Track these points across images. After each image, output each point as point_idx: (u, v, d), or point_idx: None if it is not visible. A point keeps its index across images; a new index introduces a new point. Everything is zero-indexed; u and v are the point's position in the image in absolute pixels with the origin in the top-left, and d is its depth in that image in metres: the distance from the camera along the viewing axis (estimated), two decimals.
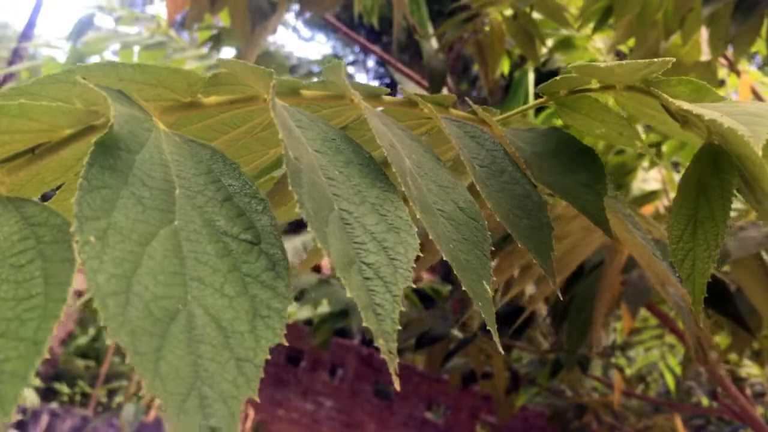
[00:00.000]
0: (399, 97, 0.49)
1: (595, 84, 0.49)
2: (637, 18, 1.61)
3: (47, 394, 5.84)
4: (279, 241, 0.29)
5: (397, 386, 0.26)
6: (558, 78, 0.47)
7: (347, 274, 0.28)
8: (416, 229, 0.33)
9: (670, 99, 0.38)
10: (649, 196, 2.29)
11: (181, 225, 0.28)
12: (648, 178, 2.30)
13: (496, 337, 0.32)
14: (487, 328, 0.33)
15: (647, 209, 2.32)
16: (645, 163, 2.25)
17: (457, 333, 2.16)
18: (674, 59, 0.40)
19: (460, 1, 1.43)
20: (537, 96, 0.53)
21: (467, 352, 2.21)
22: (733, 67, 1.62)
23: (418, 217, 0.34)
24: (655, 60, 0.41)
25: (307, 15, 1.56)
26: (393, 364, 0.26)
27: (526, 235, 0.41)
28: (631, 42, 1.76)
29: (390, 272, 0.30)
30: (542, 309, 2.00)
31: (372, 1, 2.03)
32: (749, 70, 2.20)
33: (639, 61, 0.40)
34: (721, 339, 2.03)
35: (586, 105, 0.52)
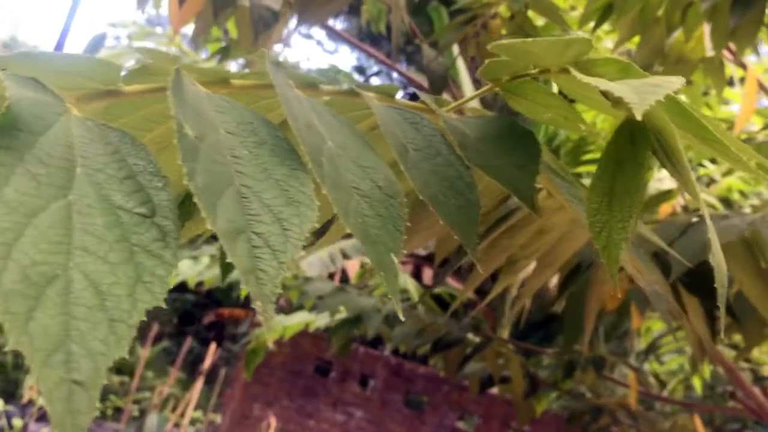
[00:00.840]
0: (343, 87, 0.51)
1: (533, 68, 0.49)
2: (638, 15, 1.61)
3: None
4: (173, 215, 0.31)
5: (269, 343, 0.27)
6: (494, 61, 0.48)
7: (232, 242, 0.29)
8: (318, 204, 0.34)
9: (581, 77, 0.39)
10: (665, 195, 2.27)
11: (74, 199, 0.29)
12: (663, 177, 2.28)
13: (397, 306, 0.33)
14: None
15: (664, 208, 2.30)
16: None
17: (473, 337, 2.16)
18: (591, 38, 0.41)
19: (458, 3, 1.44)
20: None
21: (484, 357, 2.20)
22: (737, 60, 1.61)
23: (323, 192, 0.35)
24: (577, 38, 0.42)
25: (306, 24, 1.58)
26: (268, 323, 0.27)
27: (452, 214, 0.42)
28: (637, 39, 1.76)
29: (280, 241, 0.31)
30: None
31: (378, 10, 2.05)
32: None
33: (558, 38, 0.41)
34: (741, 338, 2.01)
35: (530, 90, 0.52)
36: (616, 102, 0.46)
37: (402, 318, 0.33)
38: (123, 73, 0.39)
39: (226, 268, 1.13)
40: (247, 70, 0.48)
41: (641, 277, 0.80)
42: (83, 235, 0.28)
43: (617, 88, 0.35)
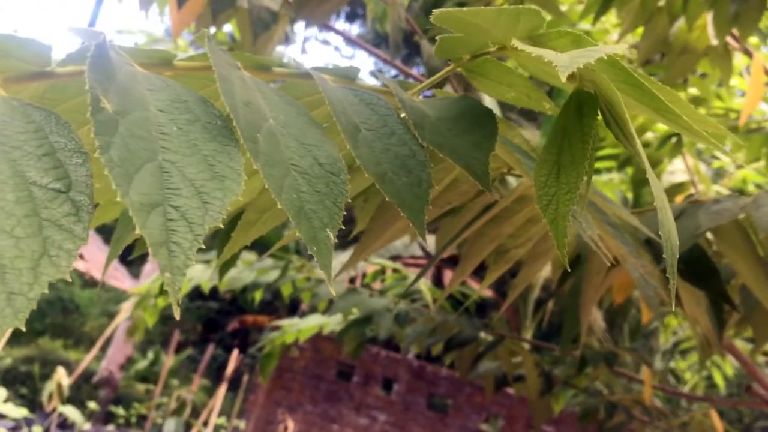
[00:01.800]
0: (298, 70, 0.50)
1: (491, 45, 0.48)
2: (641, 6, 1.59)
3: (106, 417, 5.97)
4: (89, 190, 0.30)
5: (176, 315, 0.26)
6: (447, 37, 0.47)
7: (145, 215, 0.29)
8: (244, 178, 0.33)
9: (524, 47, 0.38)
10: (678, 188, 2.25)
11: None
12: (675, 170, 2.25)
13: (330, 284, 0.33)
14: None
15: (677, 200, 2.28)
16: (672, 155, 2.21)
17: (485, 336, 2.14)
18: (539, 10, 0.40)
19: None
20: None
21: (497, 355, 2.19)
22: (741, 47, 1.58)
23: (254, 168, 0.34)
24: (525, 8, 0.41)
25: (308, 24, 1.58)
26: (176, 297, 0.27)
27: (400, 192, 0.41)
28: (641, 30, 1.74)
29: (198, 214, 0.30)
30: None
31: (382, 10, 2.04)
32: None
33: (504, 9, 0.40)
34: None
35: (492, 69, 0.52)
36: (570, 76, 0.45)
37: (333, 293, 0.32)
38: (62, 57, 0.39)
39: (224, 268, 1.13)
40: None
41: (625, 263, 0.79)
42: None
43: (552, 55, 0.34)
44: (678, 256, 0.85)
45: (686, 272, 0.90)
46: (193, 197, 0.31)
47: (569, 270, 0.42)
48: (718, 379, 2.73)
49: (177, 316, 0.27)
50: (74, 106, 0.42)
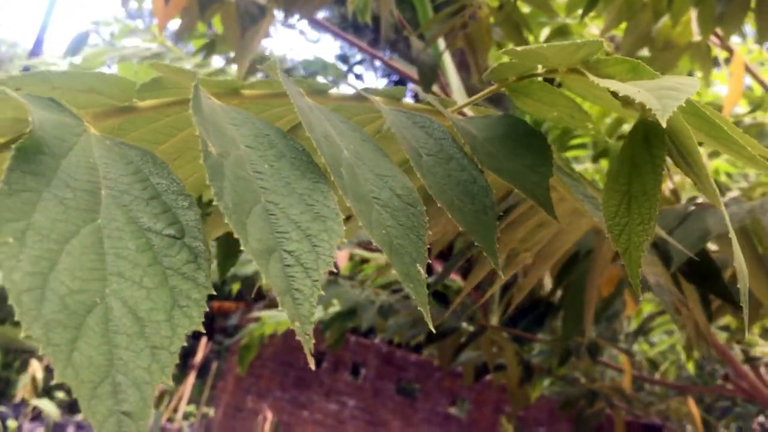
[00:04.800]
0: (351, 92, 0.51)
1: (540, 68, 0.49)
2: (625, 2, 1.61)
3: (73, 407, 5.91)
4: (202, 235, 0.30)
5: (311, 365, 0.27)
6: (503, 63, 0.48)
7: (265, 262, 0.29)
8: (343, 217, 0.34)
9: (596, 79, 0.39)
10: None
11: (104, 223, 0.29)
12: None
13: (427, 317, 0.33)
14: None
15: None
16: None
17: (467, 326, 2.17)
18: (602, 40, 0.41)
19: None
20: None
21: (478, 345, 2.21)
22: (723, 45, 1.61)
23: (348, 205, 0.35)
24: (588, 41, 0.42)
25: (296, 17, 1.57)
26: (308, 345, 0.27)
27: (469, 220, 0.42)
28: (624, 26, 1.76)
29: (312, 259, 0.31)
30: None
31: (363, 0, 2.04)
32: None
33: (570, 42, 0.41)
34: (731, 320, 2.03)
35: (537, 89, 0.52)
36: (627, 102, 0.46)
37: (433, 331, 0.33)
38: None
39: (224, 267, 1.12)
40: (233, 66, 0.48)
41: (645, 268, 0.81)
42: (116, 260, 0.28)
43: (636, 92, 0.35)
44: (684, 259, 0.87)
45: (689, 273, 0.92)
46: (303, 241, 0.31)
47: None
48: (690, 366, 2.80)
49: (312, 366, 0.27)
50: (143, 135, 0.42)
